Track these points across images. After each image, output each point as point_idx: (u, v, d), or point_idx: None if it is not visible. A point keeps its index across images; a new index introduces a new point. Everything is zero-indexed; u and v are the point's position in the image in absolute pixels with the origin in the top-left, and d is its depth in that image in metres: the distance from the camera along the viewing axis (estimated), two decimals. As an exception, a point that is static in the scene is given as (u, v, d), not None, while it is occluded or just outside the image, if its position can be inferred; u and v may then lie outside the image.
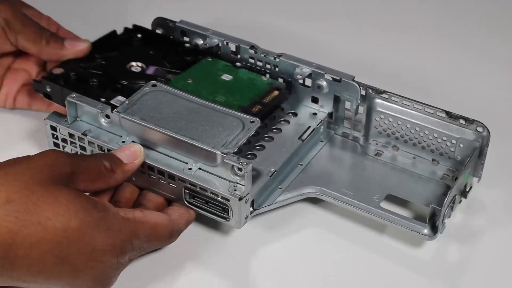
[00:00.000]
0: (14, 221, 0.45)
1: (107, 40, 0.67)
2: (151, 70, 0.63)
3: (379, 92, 0.61)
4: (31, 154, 0.50)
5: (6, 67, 0.65)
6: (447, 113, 0.59)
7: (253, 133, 0.56)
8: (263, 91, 0.61)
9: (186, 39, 0.68)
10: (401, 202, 0.59)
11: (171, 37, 0.68)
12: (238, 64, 0.64)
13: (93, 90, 0.60)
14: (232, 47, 0.66)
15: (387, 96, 0.61)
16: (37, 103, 0.66)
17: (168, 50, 0.66)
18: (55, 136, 0.60)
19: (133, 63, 0.64)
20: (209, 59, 0.65)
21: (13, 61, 0.66)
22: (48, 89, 0.61)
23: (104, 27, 0.69)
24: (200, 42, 0.67)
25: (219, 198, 0.54)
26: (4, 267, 0.45)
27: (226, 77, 0.62)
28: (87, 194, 0.51)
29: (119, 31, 0.68)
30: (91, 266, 0.48)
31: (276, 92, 0.61)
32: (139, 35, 0.68)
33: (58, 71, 0.62)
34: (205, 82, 0.61)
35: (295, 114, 0.63)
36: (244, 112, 0.58)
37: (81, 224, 0.47)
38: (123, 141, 0.57)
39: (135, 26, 0.69)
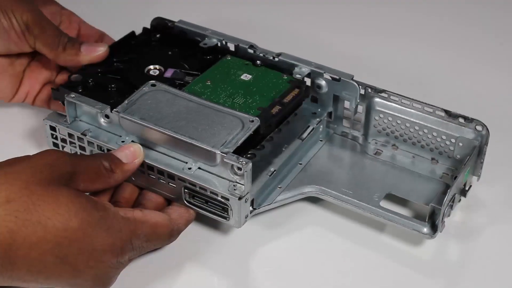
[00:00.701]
0: (14, 221, 0.45)
1: (125, 42, 0.66)
2: (169, 73, 0.62)
3: (378, 91, 0.61)
4: (31, 154, 0.50)
5: (25, 64, 0.65)
6: (446, 112, 0.59)
7: (252, 132, 0.56)
8: (283, 89, 0.60)
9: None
10: (401, 201, 0.59)
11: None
12: (258, 62, 0.63)
13: (112, 97, 0.59)
14: (231, 46, 0.66)
15: (386, 95, 0.61)
16: (55, 103, 0.65)
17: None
18: (54, 136, 0.60)
19: (151, 67, 0.63)
20: (229, 57, 0.64)
21: (33, 58, 0.65)
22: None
23: (103, 27, 0.69)
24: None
25: (218, 198, 0.54)
26: (4, 267, 0.45)
27: (246, 76, 0.62)
28: (87, 194, 0.51)
29: (118, 31, 0.68)
30: (91, 265, 0.48)
31: (296, 91, 0.60)
32: (157, 36, 0.67)
33: (76, 78, 0.61)
34: (224, 83, 0.61)
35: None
36: (263, 114, 0.57)
37: (81, 223, 0.47)
38: (123, 141, 0.57)
39: (153, 26, 0.68)
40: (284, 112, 0.59)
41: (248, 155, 0.58)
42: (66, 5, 0.68)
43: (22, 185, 0.46)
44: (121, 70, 0.62)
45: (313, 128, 0.62)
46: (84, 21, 0.68)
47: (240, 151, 0.54)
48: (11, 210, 0.45)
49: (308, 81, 0.63)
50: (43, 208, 0.46)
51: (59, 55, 0.62)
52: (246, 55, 0.65)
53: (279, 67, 0.63)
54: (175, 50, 0.65)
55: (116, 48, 0.64)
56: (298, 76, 0.62)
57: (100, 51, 0.62)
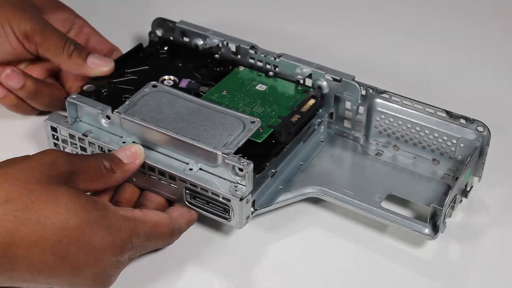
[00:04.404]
0: (14, 220, 0.45)
1: (134, 54, 0.66)
2: (183, 83, 0.62)
3: (379, 92, 0.61)
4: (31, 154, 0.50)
5: (24, 66, 0.65)
6: (448, 112, 0.59)
7: (253, 133, 0.55)
8: (300, 100, 0.61)
9: (186, 39, 0.68)
10: (402, 202, 0.59)
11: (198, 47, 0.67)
12: (270, 73, 0.64)
13: None
14: (232, 47, 0.66)
15: (387, 96, 0.61)
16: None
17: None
18: (55, 137, 0.60)
19: (165, 77, 0.63)
20: (241, 68, 0.64)
21: (29, 64, 0.65)
22: None
23: (104, 28, 0.70)
24: (200, 42, 0.67)
25: (220, 199, 0.53)
26: (4, 266, 0.45)
27: (261, 87, 0.62)
28: (87, 193, 0.51)
29: (119, 30, 0.68)
30: (91, 264, 0.48)
31: (312, 101, 0.61)
32: (165, 48, 0.67)
33: (89, 88, 0.61)
34: (240, 93, 0.61)
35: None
36: (284, 122, 0.58)
37: (80, 222, 0.47)
38: (124, 142, 0.57)
39: (160, 38, 0.68)
40: (302, 121, 0.59)
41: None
42: (66, 3, 0.68)
43: (21, 185, 0.46)
44: (135, 81, 0.62)
45: (314, 129, 0.62)
46: (96, 33, 0.67)
47: (261, 159, 0.55)
48: (10, 209, 0.45)
49: (309, 82, 0.63)
50: (42, 207, 0.46)
51: (64, 62, 0.62)
52: (247, 56, 0.65)
53: (291, 78, 0.63)
54: (185, 62, 0.65)
55: (125, 60, 0.64)
56: (299, 76, 0.62)
57: (105, 68, 0.62)
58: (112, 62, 0.63)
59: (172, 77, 0.63)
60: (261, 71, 0.64)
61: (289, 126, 0.58)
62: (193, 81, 0.63)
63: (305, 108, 0.60)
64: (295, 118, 0.59)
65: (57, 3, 0.67)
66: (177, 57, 0.66)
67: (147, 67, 0.64)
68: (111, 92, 0.61)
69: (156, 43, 0.68)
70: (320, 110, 0.63)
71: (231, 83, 0.63)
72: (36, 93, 0.63)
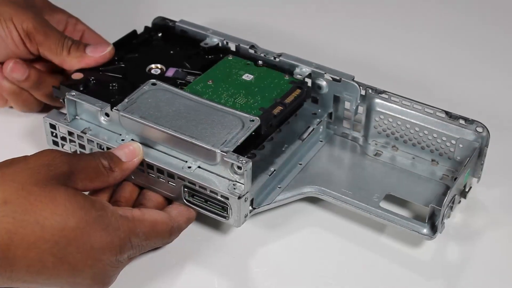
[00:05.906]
0: (12, 222, 0.45)
1: (127, 40, 0.66)
2: (170, 72, 0.62)
3: (378, 92, 0.61)
4: (29, 154, 0.50)
5: None
6: (447, 113, 0.59)
7: (252, 131, 0.55)
8: (285, 90, 0.60)
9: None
10: (401, 202, 0.59)
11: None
12: (260, 62, 0.63)
13: (113, 96, 0.58)
14: (232, 46, 0.66)
15: (386, 96, 0.61)
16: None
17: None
18: (54, 134, 0.60)
19: (153, 65, 0.63)
20: (230, 57, 0.64)
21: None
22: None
23: (104, 27, 0.70)
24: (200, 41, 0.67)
25: (218, 197, 0.53)
26: (3, 267, 0.45)
27: (247, 76, 0.62)
28: (86, 193, 0.51)
29: (119, 30, 0.68)
30: (90, 264, 0.48)
31: (298, 91, 0.60)
32: (159, 34, 0.67)
33: (78, 76, 0.61)
34: (225, 83, 0.61)
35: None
36: (265, 114, 0.57)
37: (79, 223, 0.47)
38: (123, 139, 0.57)
39: (155, 24, 0.68)
40: (285, 113, 0.59)
41: (249, 155, 0.58)
42: (67, 4, 0.68)
43: (19, 186, 0.46)
44: (123, 69, 0.62)
45: (313, 129, 0.62)
46: (89, 29, 0.67)
47: (241, 151, 0.54)
48: (9, 211, 0.45)
49: (308, 82, 0.63)
50: (41, 208, 0.46)
51: (65, 60, 0.62)
52: (246, 55, 0.65)
53: (280, 67, 0.63)
54: (177, 49, 0.65)
55: (117, 47, 0.64)
56: (299, 76, 0.62)
57: (105, 51, 0.62)
58: (110, 44, 0.63)
59: (159, 66, 0.63)
60: (251, 60, 0.64)
61: (269, 118, 0.57)
62: (179, 70, 0.62)
63: (289, 99, 0.59)
64: (278, 110, 0.58)
65: (52, 5, 0.67)
66: (170, 44, 0.66)
67: (136, 55, 0.64)
68: (99, 80, 0.61)
69: (151, 29, 0.68)
70: (319, 110, 0.63)
71: (217, 73, 0.62)
72: (40, 82, 0.63)
